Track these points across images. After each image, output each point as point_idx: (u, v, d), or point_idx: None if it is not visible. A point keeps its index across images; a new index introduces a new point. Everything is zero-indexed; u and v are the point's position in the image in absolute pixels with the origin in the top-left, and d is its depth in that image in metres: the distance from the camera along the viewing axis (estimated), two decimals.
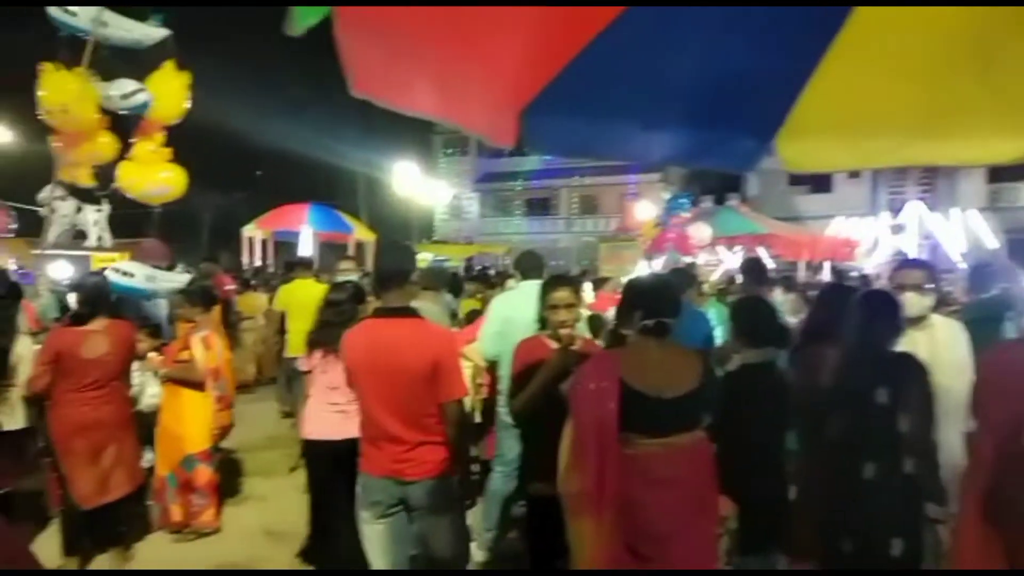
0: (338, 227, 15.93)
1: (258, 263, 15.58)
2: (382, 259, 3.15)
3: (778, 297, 5.67)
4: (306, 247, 13.68)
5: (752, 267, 5.83)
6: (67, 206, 7.81)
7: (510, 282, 7.01)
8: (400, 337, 2.91)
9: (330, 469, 3.77)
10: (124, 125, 8.09)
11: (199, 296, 4.91)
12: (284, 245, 16.89)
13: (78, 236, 8.11)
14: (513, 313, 3.92)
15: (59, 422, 4.03)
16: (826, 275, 13.25)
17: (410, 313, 3.02)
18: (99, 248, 7.99)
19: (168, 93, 7.95)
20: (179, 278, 6.94)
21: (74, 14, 7.18)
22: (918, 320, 3.27)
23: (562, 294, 3.20)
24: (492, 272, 13.72)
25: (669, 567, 2.46)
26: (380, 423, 2.91)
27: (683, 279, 4.96)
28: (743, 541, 3.04)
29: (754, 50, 2.54)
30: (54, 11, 7.24)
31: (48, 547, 4.27)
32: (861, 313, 2.76)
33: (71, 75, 7.12)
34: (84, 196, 8.06)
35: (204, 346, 4.63)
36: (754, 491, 2.87)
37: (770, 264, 10.54)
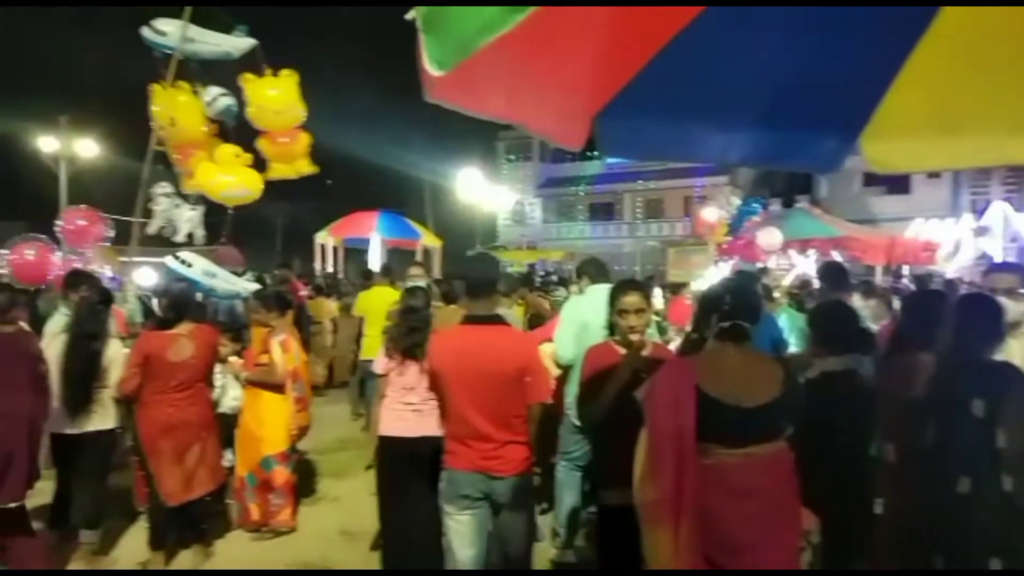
0: (406, 234, 16.22)
1: (329, 269, 15.98)
2: (471, 269, 3.32)
3: (858, 302, 5.45)
4: (375, 254, 13.95)
5: (830, 271, 5.63)
6: (167, 201, 8.28)
7: (573, 287, 7.00)
8: (491, 343, 3.14)
9: (403, 465, 3.98)
10: (247, 134, 8.49)
11: (275, 301, 5.06)
12: (354, 252, 17.29)
13: (172, 231, 8.57)
14: (588, 317, 3.92)
15: (147, 422, 4.21)
16: (908, 280, 12.71)
17: (498, 320, 3.28)
18: (188, 245, 8.40)
19: (271, 99, 8.24)
20: (239, 282, 7.20)
21: (164, 33, 7.55)
22: (1012, 326, 3.09)
23: (632, 299, 3.18)
24: (555, 277, 13.69)
25: None
26: (470, 422, 3.10)
27: (758, 284, 4.85)
28: (826, 555, 2.93)
29: (837, 49, 2.48)
30: (147, 32, 7.65)
31: (135, 542, 4.49)
32: (957, 319, 2.62)
33: (176, 90, 7.53)
34: (184, 197, 8.54)
35: (282, 349, 4.77)
36: (837, 503, 2.76)
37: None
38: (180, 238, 8.55)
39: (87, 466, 4.30)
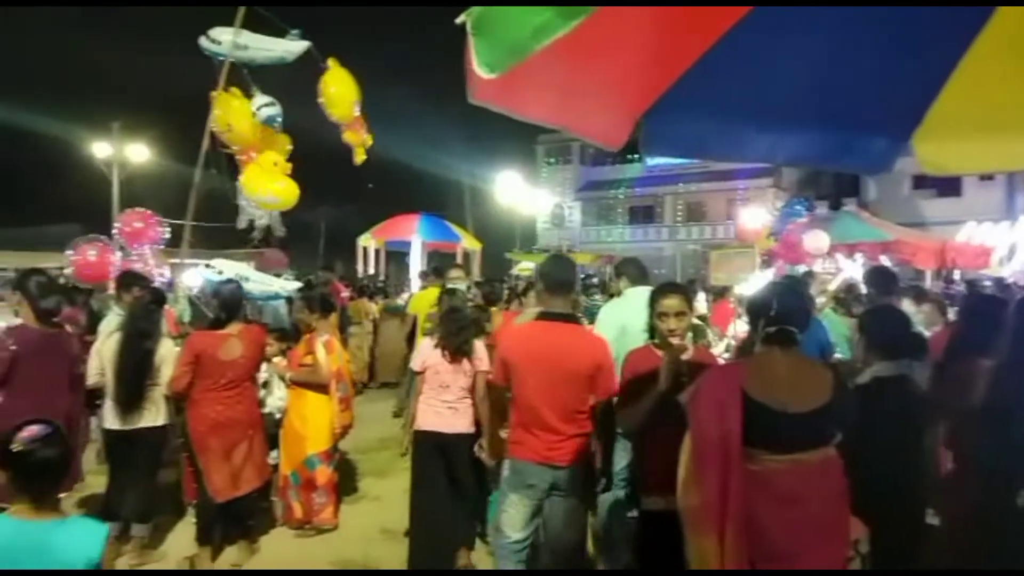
0: (446, 236, 16.34)
1: (371, 271, 16.18)
2: (550, 269, 3.47)
3: (909, 307, 5.30)
4: (416, 256, 14.07)
5: (878, 276, 5.50)
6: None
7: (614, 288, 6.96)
8: (565, 340, 3.26)
9: (436, 458, 4.23)
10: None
11: (317, 303, 5.15)
12: (395, 255, 17.47)
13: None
14: (627, 320, 3.88)
15: (196, 419, 4.32)
16: (960, 285, 12.32)
17: (572, 319, 3.42)
18: (263, 242, 8.74)
19: (339, 94, 8.48)
20: (276, 282, 7.35)
21: (220, 42, 7.76)
22: None
23: (672, 301, 3.16)
24: (595, 280, 13.62)
25: None
26: (539, 414, 3.21)
27: (807, 287, 4.75)
28: (875, 565, 2.85)
29: (889, 49, 2.43)
30: (204, 42, 7.90)
31: (183, 537, 4.60)
32: (1016, 324, 2.53)
33: (230, 96, 7.77)
34: None
35: (326, 350, 4.85)
36: (888, 512, 2.69)
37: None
38: (257, 235, 8.84)
39: (138, 461, 4.42)
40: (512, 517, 3.29)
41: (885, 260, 11.62)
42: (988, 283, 11.19)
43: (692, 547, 2.48)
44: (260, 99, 7.90)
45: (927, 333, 4.53)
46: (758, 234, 11.29)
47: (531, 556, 3.37)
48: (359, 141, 9.10)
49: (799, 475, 2.40)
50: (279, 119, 8.04)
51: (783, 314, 2.48)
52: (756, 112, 2.64)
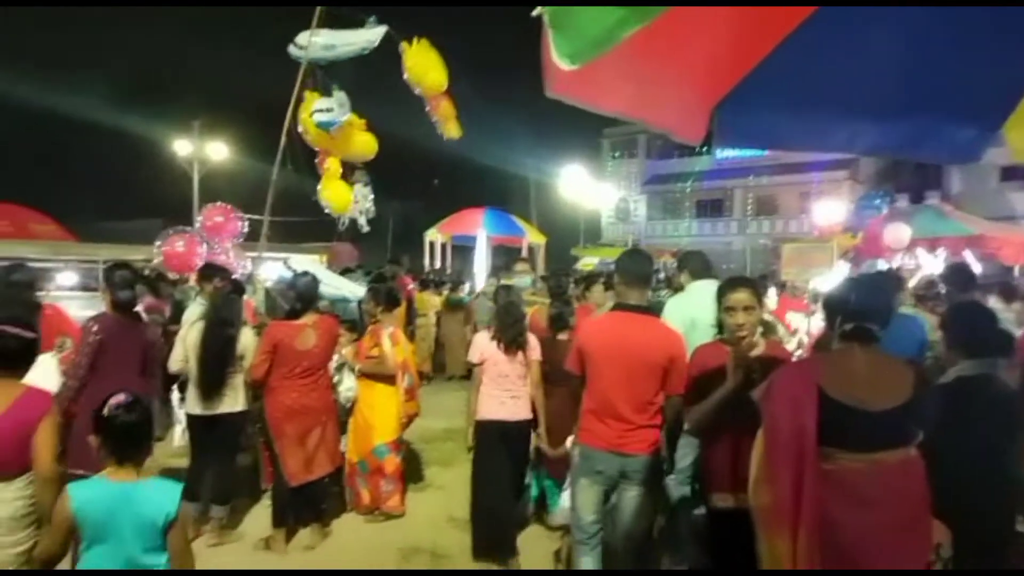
0: (511, 231, 16.43)
1: (437, 265, 16.42)
2: (627, 262, 3.54)
3: (997, 305, 5.04)
4: (481, 251, 14.19)
5: (955, 273, 5.25)
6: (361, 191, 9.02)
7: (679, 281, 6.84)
8: (641, 332, 3.33)
9: (498, 444, 4.35)
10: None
11: (383, 296, 5.28)
12: (461, 249, 17.66)
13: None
14: (694, 314, 3.83)
15: (273, 406, 4.49)
16: None
17: (649, 311, 3.47)
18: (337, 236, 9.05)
19: (426, 66, 8.61)
20: (346, 285, 7.61)
21: (304, 47, 8.01)
22: None
23: (740, 296, 3.08)
24: (662, 275, 13.44)
25: None
26: (611, 403, 3.30)
27: (890, 283, 4.56)
28: (958, 571, 2.74)
29: (977, 36, 2.32)
30: (292, 50, 8.22)
31: (259, 519, 4.79)
32: None
33: (313, 97, 8.09)
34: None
35: (392, 342, 4.96)
36: (972, 516, 2.58)
37: (979, 269, 9.42)
38: (362, 223, 9.19)
39: (218, 445, 4.62)
40: (582, 500, 3.43)
41: (969, 255, 11.07)
42: None
43: (764, 546, 2.43)
44: (321, 102, 8.11)
45: (1017, 332, 4.30)
46: (834, 229, 10.91)
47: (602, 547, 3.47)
48: (450, 114, 9.07)
49: (877, 476, 2.32)
50: (334, 124, 8.21)
51: (862, 310, 2.41)
52: (834, 101, 2.56)
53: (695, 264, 4.47)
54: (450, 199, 22.60)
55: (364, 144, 8.97)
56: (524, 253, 15.11)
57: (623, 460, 3.29)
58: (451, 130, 9.15)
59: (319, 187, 8.75)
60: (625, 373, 3.27)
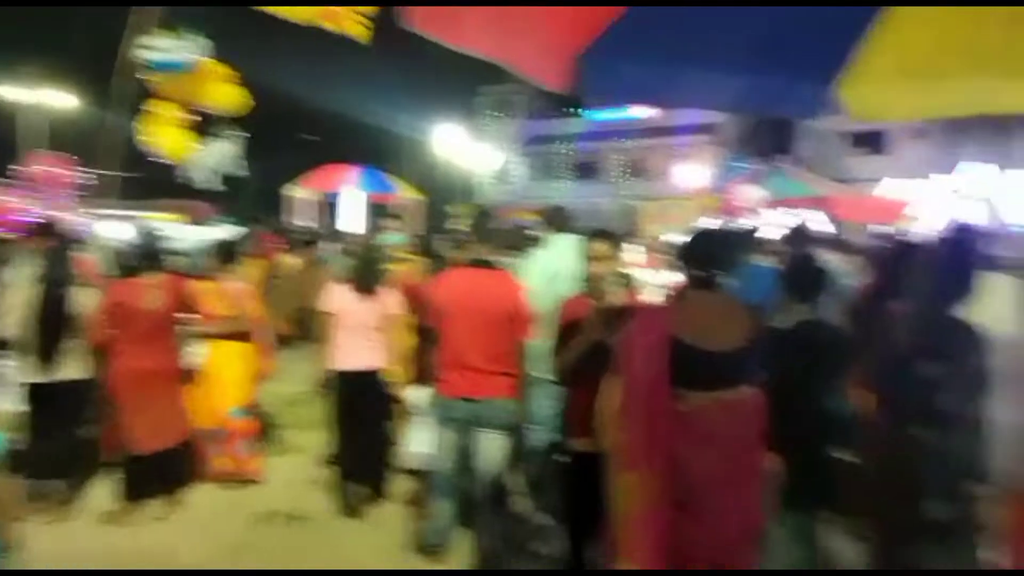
0: (382, 188, 15.98)
1: (307, 223, 15.70)
2: (478, 222, 3.88)
3: (831, 258, 5.45)
4: (347, 207, 13.73)
5: (794, 233, 5.63)
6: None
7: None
8: (488, 286, 3.61)
9: (356, 394, 4.36)
10: None
11: (221, 252, 4.98)
12: (332, 206, 16.98)
13: None
14: (557, 267, 3.94)
15: (117, 372, 4.18)
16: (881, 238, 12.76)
17: (494, 266, 3.67)
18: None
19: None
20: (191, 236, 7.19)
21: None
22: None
23: (599, 247, 3.32)
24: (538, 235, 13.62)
25: (715, 521, 2.42)
26: (463, 353, 3.53)
27: (737, 237, 4.82)
28: (785, 497, 2.97)
29: None
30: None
31: (103, 492, 4.45)
32: (923, 273, 2.63)
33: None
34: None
35: (225, 296, 4.73)
36: (793, 448, 2.78)
37: (829, 228, 10.22)
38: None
39: (57, 415, 4.25)
40: (440, 447, 3.70)
41: (817, 215, 11.94)
42: (900, 237, 11.59)
43: (615, 485, 2.52)
44: (157, 41, 7.51)
45: (850, 281, 4.67)
46: (698, 190, 11.44)
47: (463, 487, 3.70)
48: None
49: (719, 412, 2.46)
50: (173, 67, 7.63)
51: (707, 258, 2.56)
52: (692, 55, 2.58)
53: (557, 219, 4.61)
54: (321, 156, 21.67)
55: (225, 95, 8.39)
56: (397, 211, 14.78)
57: (474, 406, 3.53)
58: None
59: (137, 127, 8.11)
60: (474, 324, 3.51)
